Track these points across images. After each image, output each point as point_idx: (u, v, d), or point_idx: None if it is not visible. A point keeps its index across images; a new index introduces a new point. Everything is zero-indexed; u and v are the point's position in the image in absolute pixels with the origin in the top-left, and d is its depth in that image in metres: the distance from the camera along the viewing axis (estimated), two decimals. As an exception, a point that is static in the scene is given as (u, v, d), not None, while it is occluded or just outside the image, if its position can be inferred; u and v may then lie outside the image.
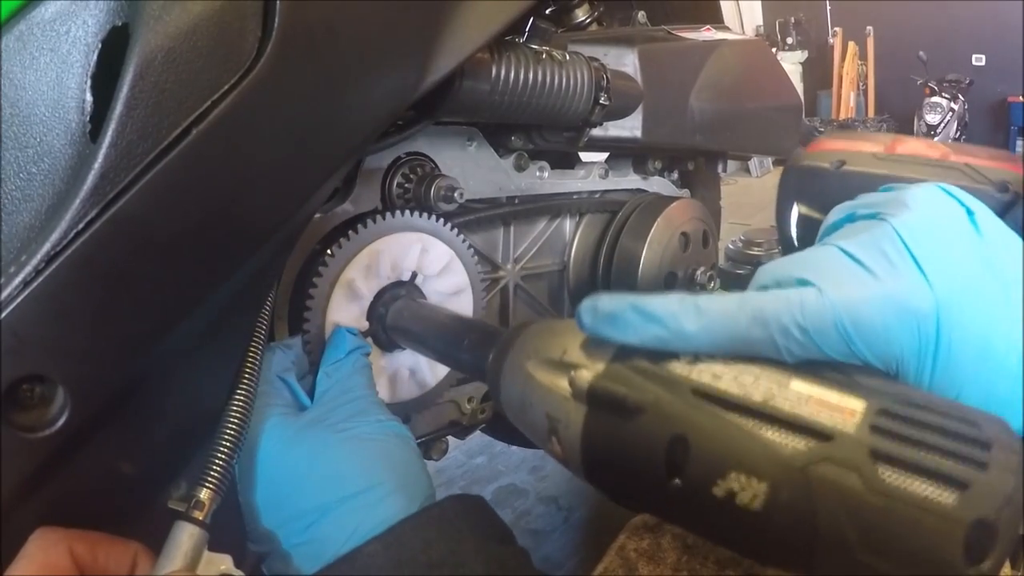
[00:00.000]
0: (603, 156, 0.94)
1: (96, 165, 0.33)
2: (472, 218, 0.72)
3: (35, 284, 0.33)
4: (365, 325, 0.61)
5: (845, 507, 0.26)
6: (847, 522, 0.26)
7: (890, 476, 0.25)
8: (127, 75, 0.33)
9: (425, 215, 0.63)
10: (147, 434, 0.42)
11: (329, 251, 0.58)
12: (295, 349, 0.53)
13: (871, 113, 6.31)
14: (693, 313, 0.32)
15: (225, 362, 0.45)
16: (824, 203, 0.47)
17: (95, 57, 0.34)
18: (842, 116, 6.19)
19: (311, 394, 0.51)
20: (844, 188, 0.51)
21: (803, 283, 0.33)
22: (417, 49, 0.48)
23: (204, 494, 0.41)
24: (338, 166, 0.47)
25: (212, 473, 0.41)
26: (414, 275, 0.63)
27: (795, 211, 0.57)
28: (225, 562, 0.41)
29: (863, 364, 0.31)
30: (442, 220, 0.65)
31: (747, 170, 5.47)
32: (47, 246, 0.33)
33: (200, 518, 0.40)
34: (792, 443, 0.28)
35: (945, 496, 0.24)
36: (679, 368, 0.33)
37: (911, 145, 0.54)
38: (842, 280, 0.32)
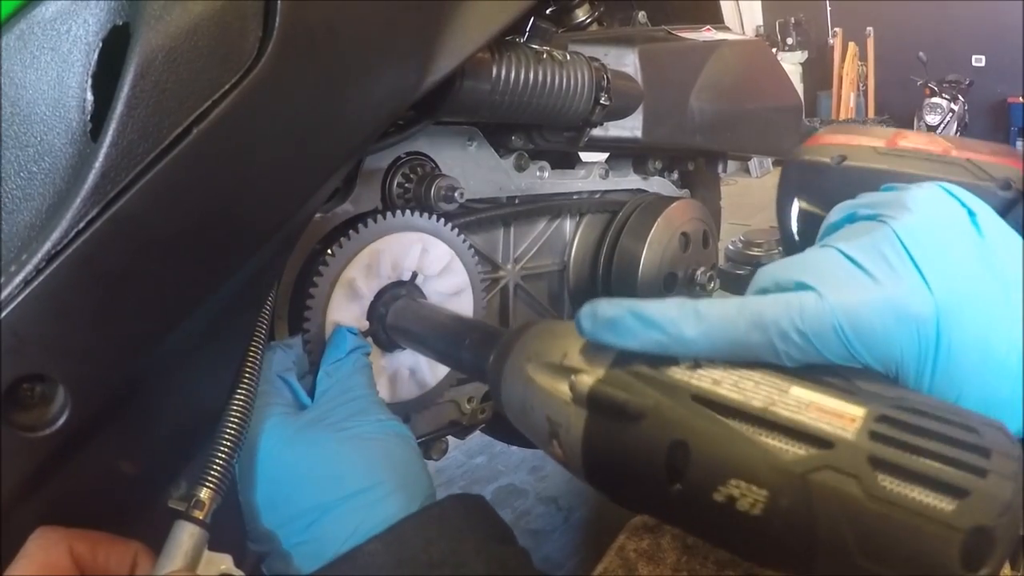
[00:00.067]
0: (603, 156, 0.94)
1: (97, 164, 0.33)
2: (472, 218, 0.72)
3: (36, 283, 0.33)
4: (365, 325, 0.61)
5: (844, 514, 0.26)
6: (847, 529, 0.26)
7: (889, 483, 0.26)
8: (128, 74, 0.33)
9: (425, 215, 0.63)
10: (147, 433, 0.42)
11: (330, 251, 0.58)
12: (295, 349, 0.53)
13: (871, 114, 6.31)
14: (692, 318, 0.32)
15: (225, 362, 0.45)
16: (825, 198, 0.47)
17: (96, 56, 0.34)
18: (842, 117, 6.19)
19: (311, 394, 0.51)
20: (845, 183, 0.51)
21: (802, 286, 0.33)
22: (418, 49, 0.48)
23: (204, 494, 0.41)
24: (339, 166, 0.47)
25: (212, 473, 0.41)
26: (414, 275, 0.63)
27: (796, 206, 0.57)
28: (225, 562, 0.41)
29: (863, 367, 0.31)
30: (442, 220, 0.65)
31: (747, 170, 5.47)
32: (48, 245, 0.33)
33: (200, 517, 0.40)
34: (792, 450, 0.28)
35: (944, 503, 0.24)
36: (679, 373, 0.33)
37: (913, 139, 0.54)
38: (842, 284, 0.32)
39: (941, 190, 0.37)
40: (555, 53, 0.68)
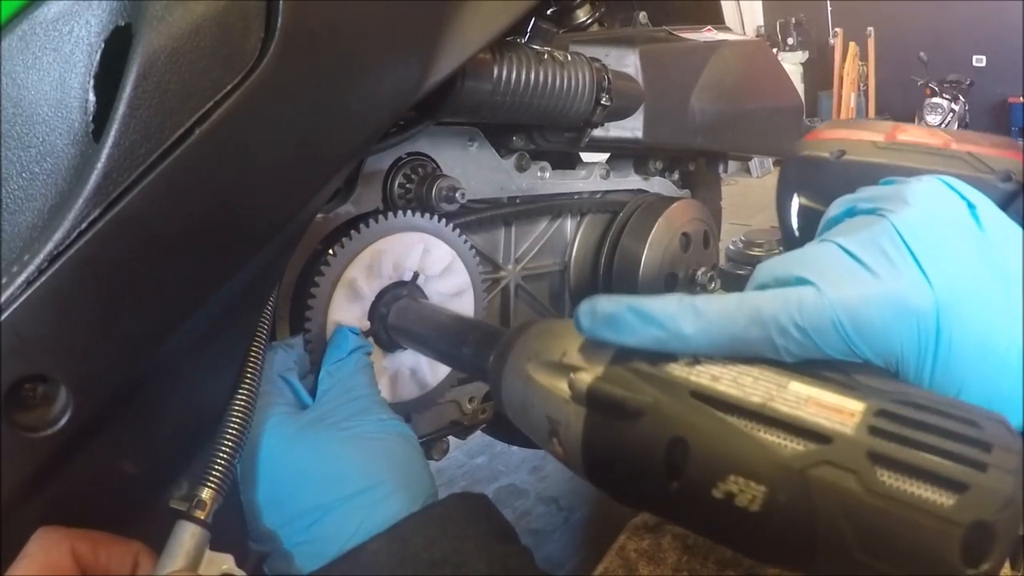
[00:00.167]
0: (604, 156, 0.94)
1: (99, 165, 0.33)
2: (473, 218, 0.72)
3: (38, 284, 0.33)
4: (367, 325, 0.61)
5: (844, 509, 0.26)
6: (846, 524, 0.26)
7: (888, 478, 0.25)
8: (130, 75, 0.33)
9: (427, 215, 0.64)
10: (149, 434, 0.42)
11: (331, 251, 0.58)
12: (297, 349, 0.54)
13: (871, 114, 6.30)
14: (691, 314, 0.32)
15: (227, 362, 0.45)
16: (825, 193, 0.47)
17: (98, 57, 0.34)
18: (843, 117, 6.18)
19: (313, 393, 0.51)
20: (845, 178, 0.50)
21: (801, 281, 0.33)
22: (419, 49, 0.48)
23: (206, 493, 0.41)
24: (340, 166, 0.47)
25: (214, 472, 0.41)
26: (416, 275, 0.64)
27: (795, 202, 0.57)
28: (227, 561, 0.41)
29: (863, 362, 0.31)
30: (444, 220, 0.65)
31: (748, 171, 5.47)
32: (50, 246, 0.33)
33: (202, 517, 0.40)
34: (791, 445, 0.28)
35: (943, 498, 0.24)
36: (678, 370, 0.33)
37: (912, 133, 0.53)
38: (841, 279, 0.32)
39: (941, 183, 0.37)
40: (556, 54, 0.68)
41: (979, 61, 5.93)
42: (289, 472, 0.44)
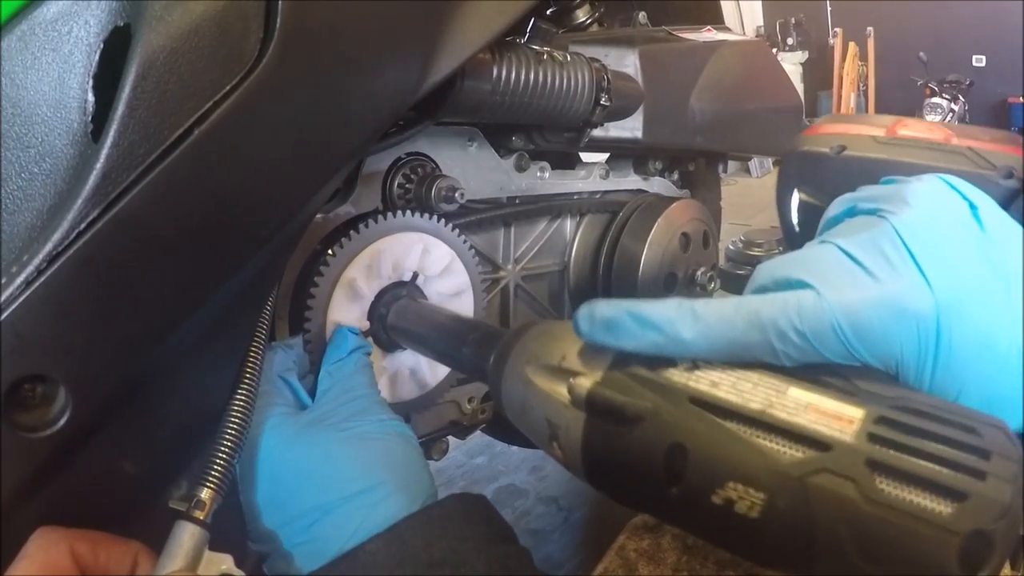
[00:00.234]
0: (604, 157, 0.94)
1: (98, 165, 0.33)
2: (473, 218, 0.72)
3: (37, 284, 0.33)
4: (366, 325, 0.61)
5: (842, 517, 0.26)
6: (845, 532, 0.26)
7: (887, 486, 0.25)
8: (129, 75, 0.33)
9: (426, 215, 0.63)
10: (148, 434, 0.42)
11: (330, 251, 0.58)
12: (296, 349, 0.54)
13: (871, 114, 6.31)
14: (690, 319, 0.32)
15: (226, 362, 0.45)
16: (825, 189, 0.46)
17: (97, 57, 0.34)
18: (842, 116, 6.18)
19: (312, 394, 0.51)
20: (845, 173, 0.50)
21: (801, 284, 0.33)
22: (418, 50, 0.48)
23: (205, 494, 0.41)
24: (340, 166, 0.47)
25: (213, 473, 0.41)
26: (415, 275, 0.64)
27: (795, 197, 0.56)
28: (226, 562, 0.40)
29: (862, 366, 0.31)
30: (443, 220, 0.65)
31: (747, 171, 5.47)
32: (49, 246, 0.33)
33: (201, 518, 0.40)
34: (790, 452, 0.28)
35: (942, 507, 0.24)
36: (677, 375, 0.33)
37: (912, 127, 0.53)
38: (840, 282, 0.32)
39: (942, 183, 0.36)
40: (555, 54, 0.68)
41: (979, 61, 5.93)
42: (288, 472, 0.44)
